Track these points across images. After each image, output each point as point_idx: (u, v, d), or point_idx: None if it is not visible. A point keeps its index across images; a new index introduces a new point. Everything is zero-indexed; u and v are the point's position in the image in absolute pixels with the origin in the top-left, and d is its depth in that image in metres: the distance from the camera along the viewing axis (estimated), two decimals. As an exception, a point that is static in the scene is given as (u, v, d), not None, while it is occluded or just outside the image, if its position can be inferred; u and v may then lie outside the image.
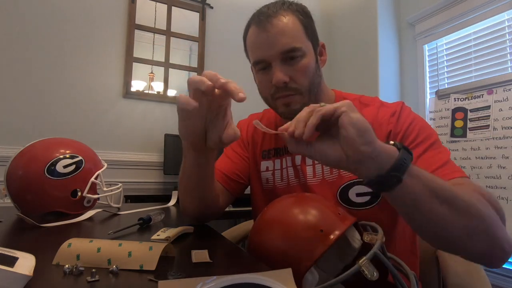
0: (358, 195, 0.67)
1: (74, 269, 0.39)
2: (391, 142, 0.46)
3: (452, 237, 0.47)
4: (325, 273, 0.56)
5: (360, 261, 0.43)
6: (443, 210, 0.45)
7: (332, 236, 0.48)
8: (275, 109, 0.74)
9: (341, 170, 0.69)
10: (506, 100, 1.68)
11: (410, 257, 0.70)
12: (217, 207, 0.74)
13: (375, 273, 0.42)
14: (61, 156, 0.82)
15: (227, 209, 0.85)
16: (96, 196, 0.87)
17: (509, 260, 1.68)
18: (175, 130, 2.25)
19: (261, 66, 0.69)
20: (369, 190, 0.63)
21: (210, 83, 0.45)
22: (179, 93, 2.42)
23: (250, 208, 0.88)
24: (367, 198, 0.66)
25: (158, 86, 2.39)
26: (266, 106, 0.79)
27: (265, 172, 0.80)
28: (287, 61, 0.66)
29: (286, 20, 0.65)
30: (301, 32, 0.67)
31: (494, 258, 0.49)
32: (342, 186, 0.68)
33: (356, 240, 0.56)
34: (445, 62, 2.17)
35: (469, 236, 0.46)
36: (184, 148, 0.60)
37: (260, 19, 0.66)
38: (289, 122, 0.47)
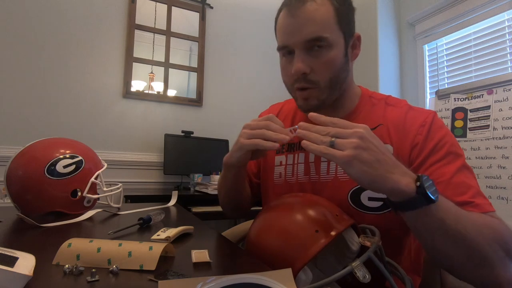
0: (370, 199, 0.64)
1: (74, 269, 0.39)
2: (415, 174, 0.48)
3: (452, 269, 0.53)
4: (324, 275, 0.56)
5: (354, 263, 0.43)
6: (447, 246, 0.49)
7: (326, 237, 0.48)
8: (295, 99, 0.71)
9: None
10: (506, 100, 1.68)
11: (415, 269, 0.69)
12: (248, 208, 0.88)
13: (367, 275, 0.43)
14: (61, 156, 0.82)
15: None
16: (96, 196, 0.87)
17: (509, 260, 1.68)
18: (175, 130, 2.25)
19: (285, 52, 0.66)
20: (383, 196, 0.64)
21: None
22: (179, 93, 2.43)
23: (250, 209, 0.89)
24: (379, 203, 0.63)
25: (158, 86, 2.39)
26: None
27: (279, 167, 0.78)
28: (311, 51, 0.62)
29: (318, 6, 0.61)
30: (332, 20, 0.62)
31: None
32: (355, 188, 0.65)
33: (354, 242, 0.56)
34: (445, 62, 2.17)
35: (472, 275, 0.51)
36: (226, 169, 0.71)
37: (291, 2, 0.63)
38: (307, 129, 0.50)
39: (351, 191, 0.66)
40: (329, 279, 0.43)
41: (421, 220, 0.47)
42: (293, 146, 0.78)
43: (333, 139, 0.47)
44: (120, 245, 0.44)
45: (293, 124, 0.79)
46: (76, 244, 0.44)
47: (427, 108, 2.11)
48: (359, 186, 0.65)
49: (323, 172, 0.71)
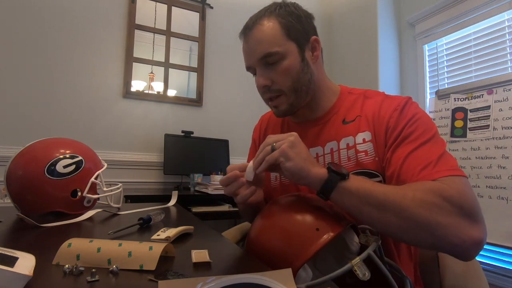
0: None
1: (74, 269, 0.39)
2: (326, 164, 0.57)
3: (389, 233, 0.55)
4: (323, 275, 0.57)
5: (353, 260, 0.43)
6: (374, 214, 0.52)
7: (326, 236, 0.48)
8: (271, 109, 0.78)
9: (342, 162, 0.71)
10: (506, 100, 1.68)
11: (404, 260, 0.69)
12: None
13: (366, 273, 0.43)
14: (61, 156, 0.82)
15: (227, 209, 0.87)
16: (96, 196, 0.87)
17: (508, 260, 1.69)
18: (175, 130, 2.25)
19: (251, 71, 0.75)
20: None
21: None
22: (179, 93, 2.43)
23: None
24: None
25: (158, 86, 2.39)
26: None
27: None
28: (268, 66, 0.70)
29: (264, 28, 0.69)
30: (279, 35, 0.69)
31: (454, 252, 0.52)
32: None
33: (354, 243, 0.56)
34: (445, 62, 2.17)
35: (406, 234, 0.52)
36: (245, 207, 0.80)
37: (244, 32, 0.73)
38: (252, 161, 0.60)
39: None
40: (329, 276, 0.43)
41: (346, 198, 0.53)
42: None
43: (273, 144, 0.57)
44: (120, 245, 0.44)
45: (283, 129, 0.86)
46: (76, 244, 0.44)
47: (427, 108, 2.11)
48: (356, 171, 0.69)
49: None
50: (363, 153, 0.68)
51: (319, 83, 0.75)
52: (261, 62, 0.70)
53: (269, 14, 0.70)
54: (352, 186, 0.53)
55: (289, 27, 0.69)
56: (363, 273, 0.43)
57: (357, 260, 0.44)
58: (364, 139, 0.69)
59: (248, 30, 0.71)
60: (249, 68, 0.75)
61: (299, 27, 0.71)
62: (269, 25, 0.69)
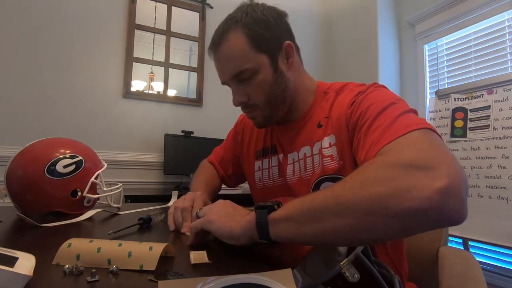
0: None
1: (74, 269, 0.39)
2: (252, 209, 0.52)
3: (355, 240, 0.44)
4: (313, 280, 0.57)
5: (342, 262, 0.43)
6: (318, 229, 0.43)
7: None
8: None
9: (315, 168, 0.68)
10: (506, 100, 1.68)
11: (393, 258, 0.67)
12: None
13: (356, 274, 0.43)
14: (61, 156, 0.82)
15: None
16: (96, 196, 0.87)
17: (508, 260, 1.69)
18: (175, 130, 2.25)
19: (228, 86, 0.73)
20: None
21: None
22: (179, 93, 2.43)
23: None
24: None
25: (158, 86, 2.39)
26: None
27: (257, 172, 0.83)
28: (242, 81, 0.68)
29: (231, 44, 0.65)
30: (247, 50, 0.65)
31: (431, 217, 0.37)
32: (315, 183, 0.67)
33: None
34: (445, 62, 2.17)
35: (370, 230, 0.40)
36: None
37: (212, 48, 0.70)
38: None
39: (312, 186, 0.68)
40: (318, 280, 0.43)
41: (284, 226, 0.46)
42: (267, 151, 0.81)
43: (198, 212, 0.62)
44: (120, 245, 0.44)
45: (266, 130, 0.83)
46: (76, 244, 0.44)
47: (427, 108, 2.11)
48: (318, 180, 0.67)
49: (289, 174, 0.74)
50: (329, 158, 0.65)
51: (296, 88, 0.72)
52: (234, 80, 0.68)
53: (234, 26, 0.66)
54: (283, 212, 0.47)
55: (258, 39, 0.65)
56: (352, 275, 0.43)
57: (345, 262, 0.44)
58: (330, 143, 0.66)
59: (215, 47, 0.68)
60: (224, 83, 0.73)
61: (269, 36, 0.66)
62: (237, 41, 0.65)
